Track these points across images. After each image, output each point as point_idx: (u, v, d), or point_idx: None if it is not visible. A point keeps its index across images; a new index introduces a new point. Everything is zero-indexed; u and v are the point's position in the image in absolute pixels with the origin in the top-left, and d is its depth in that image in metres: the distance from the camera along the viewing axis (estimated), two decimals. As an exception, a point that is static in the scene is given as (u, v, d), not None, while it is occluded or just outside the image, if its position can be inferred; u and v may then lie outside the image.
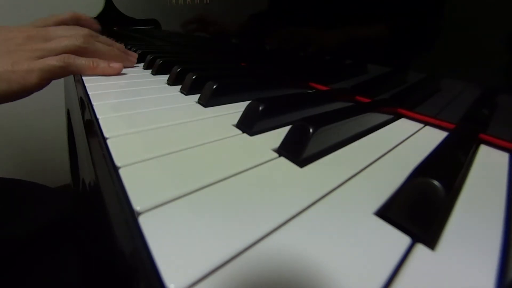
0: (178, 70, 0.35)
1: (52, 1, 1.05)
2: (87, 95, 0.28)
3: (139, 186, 0.13)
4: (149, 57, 0.45)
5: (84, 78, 0.35)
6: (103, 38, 0.43)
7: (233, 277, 0.09)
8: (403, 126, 0.24)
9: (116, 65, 0.39)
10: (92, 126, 0.21)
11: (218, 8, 0.51)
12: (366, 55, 0.29)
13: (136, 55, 0.48)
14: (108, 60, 0.39)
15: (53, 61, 0.32)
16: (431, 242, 0.11)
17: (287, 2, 0.37)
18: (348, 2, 0.29)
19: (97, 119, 0.21)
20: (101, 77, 0.37)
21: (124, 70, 0.41)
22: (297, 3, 0.35)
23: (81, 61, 0.35)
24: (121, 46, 0.45)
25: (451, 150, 0.16)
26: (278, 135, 0.20)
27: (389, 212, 0.12)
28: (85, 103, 0.26)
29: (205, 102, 0.27)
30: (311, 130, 0.16)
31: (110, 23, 1.08)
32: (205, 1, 0.54)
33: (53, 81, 0.34)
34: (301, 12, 0.35)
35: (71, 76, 0.40)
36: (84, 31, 0.39)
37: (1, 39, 0.32)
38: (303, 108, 0.25)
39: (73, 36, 0.37)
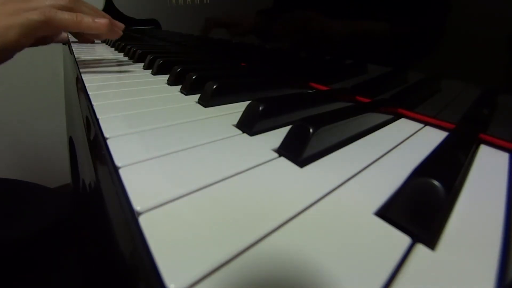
0: (178, 70, 0.35)
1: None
2: (87, 95, 0.28)
3: (139, 186, 0.13)
4: (149, 57, 0.45)
5: (84, 78, 0.35)
6: (90, 5, 0.40)
7: (233, 277, 0.09)
8: (403, 126, 0.24)
9: (101, 20, 0.35)
10: (92, 126, 0.21)
11: (218, 8, 0.51)
12: (366, 55, 0.29)
13: (123, 26, 0.44)
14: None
15: (33, 15, 0.30)
16: (431, 242, 0.11)
17: (287, 2, 0.37)
18: (348, 2, 0.29)
19: (97, 119, 0.21)
20: (100, 77, 0.37)
21: (125, 70, 0.41)
22: (297, 3, 0.35)
23: (64, 15, 0.33)
24: (108, 16, 0.42)
25: (451, 150, 0.16)
26: (278, 135, 0.20)
27: (389, 212, 0.12)
28: (85, 103, 0.26)
29: (205, 102, 0.27)
30: (311, 130, 0.16)
31: (110, 23, 1.07)
32: (205, 1, 0.54)
33: (53, 81, 0.33)
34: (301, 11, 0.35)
35: (71, 76, 0.40)
36: None
37: None
38: (303, 108, 0.24)
39: None
